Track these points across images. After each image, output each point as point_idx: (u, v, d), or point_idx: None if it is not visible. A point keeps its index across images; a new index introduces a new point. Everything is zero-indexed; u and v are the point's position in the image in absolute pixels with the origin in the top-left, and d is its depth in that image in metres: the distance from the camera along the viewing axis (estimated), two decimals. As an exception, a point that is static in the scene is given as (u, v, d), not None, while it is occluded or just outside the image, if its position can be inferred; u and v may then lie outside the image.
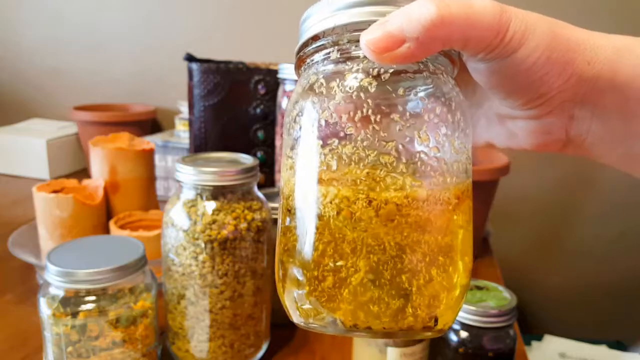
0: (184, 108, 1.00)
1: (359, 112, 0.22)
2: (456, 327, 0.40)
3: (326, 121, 0.22)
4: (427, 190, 0.22)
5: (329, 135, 0.22)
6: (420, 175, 0.22)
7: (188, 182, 0.42)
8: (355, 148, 0.22)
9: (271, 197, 0.59)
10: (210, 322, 0.43)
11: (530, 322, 1.11)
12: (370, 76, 0.22)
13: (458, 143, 0.23)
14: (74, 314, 0.37)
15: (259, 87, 0.72)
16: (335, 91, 0.22)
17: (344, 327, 0.22)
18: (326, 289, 0.22)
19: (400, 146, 0.22)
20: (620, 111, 0.24)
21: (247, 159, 0.45)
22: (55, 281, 0.37)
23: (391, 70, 0.22)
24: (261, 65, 0.73)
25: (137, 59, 1.18)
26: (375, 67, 0.22)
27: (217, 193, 0.42)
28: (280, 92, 0.63)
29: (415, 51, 0.20)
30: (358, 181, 0.22)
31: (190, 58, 0.72)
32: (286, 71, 0.60)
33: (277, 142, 0.64)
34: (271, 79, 0.72)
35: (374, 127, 0.21)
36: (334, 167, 0.22)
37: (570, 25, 0.24)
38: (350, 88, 0.22)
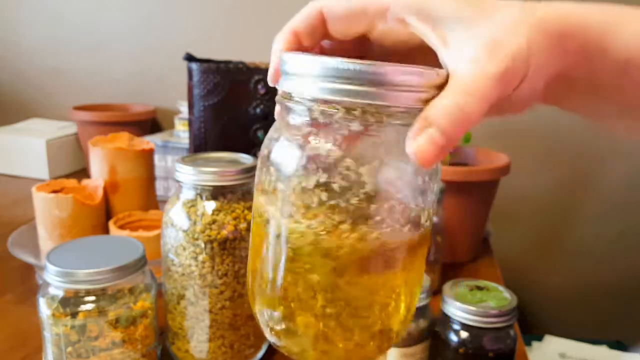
0: (184, 108, 1.00)
1: (334, 165, 0.22)
2: (456, 327, 0.40)
3: (301, 167, 0.23)
4: (385, 239, 0.23)
5: (302, 179, 0.23)
6: (380, 225, 0.23)
7: (188, 182, 0.42)
8: (324, 197, 0.23)
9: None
10: (210, 322, 0.43)
11: (531, 322, 1.11)
12: (349, 135, 0.22)
13: (421, 199, 0.24)
14: (74, 314, 0.37)
15: (259, 87, 0.72)
16: (314, 143, 0.23)
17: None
18: (289, 323, 0.25)
19: (365, 200, 0.23)
20: (588, 76, 0.25)
21: (247, 159, 0.45)
22: (54, 281, 0.37)
23: (367, 134, 0.22)
24: (261, 65, 0.73)
25: (137, 59, 1.18)
26: (355, 129, 0.22)
27: (216, 193, 0.42)
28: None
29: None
30: (324, 227, 0.23)
31: (190, 58, 0.72)
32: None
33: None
34: (271, 79, 0.72)
35: (342, 181, 0.22)
36: (303, 211, 0.23)
37: (554, 4, 0.24)
38: (328, 143, 0.22)
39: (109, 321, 0.38)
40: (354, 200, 0.22)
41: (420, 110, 0.22)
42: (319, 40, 0.27)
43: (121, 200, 0.64)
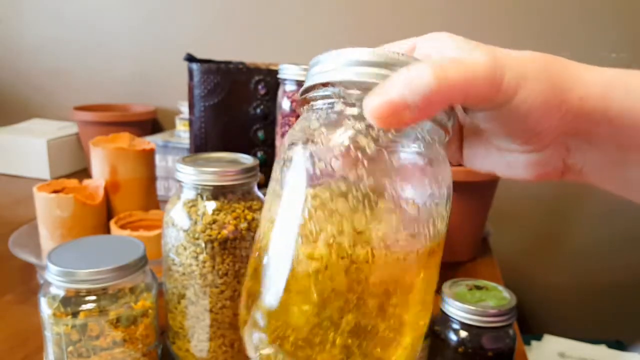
0: (185, 108, 1.00)
1: (352, 167, 0.22)
2: (456, 326, 0.41)
3: (318, 171, 0.23)
4: (397, 256, 0.23)
5: (317, 186, 0.23)
6: (392, 239, 0.23)
7: (188, 182, 0.42)
8: (339, 204, 0.22)
9: (271, 197, 0.59)
10: (211, 321, 0.43)
11: (530, 322, 1.12)
12: (369, 136, 0.23)
13: (435, 211, 0.24)
14: (75, 314, 0.37)
15: (259, 87, 0.73)
16: (332, 143, 0.23)
17: None
18: (286, 340, 0.23)
19: (381, 209, 0.22)
20: (613, 142, 0.25)
21: (247, 159, 0.46)
22: (55, 281, 0.37)
23: (390, 135, 0.23)
24: (261, 65, 0.73)
25: (137, 59, 1.18)
26: (375, 129, 0.23)
27: (217, 193, 0.42)
28: (280, 93, 0.63)
29: (416, 116, 0.21)
30: (335, 240, 0.22)
31: (190, 58, 0.72)
32: (286, 71, 0.60)
33: (277, 143, 0.64)
34: (271, 79, 0.72)
35: (361, 186, 0.22)
36: (315, 222, 0.23)
37: (563, 60, 0.25)
38: (349, 144, 0.23)
39: (110, 320, 0.38)
40: (370, 214, 0.22)
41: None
42: None
43: (122, 200, 0.64)
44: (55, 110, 1.24)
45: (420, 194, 0.23)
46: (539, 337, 0.95)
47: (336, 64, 0.23)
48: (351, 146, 0.22)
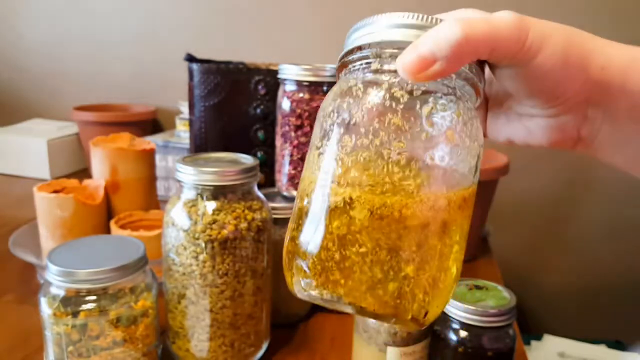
0: (185, 108, 1.00)
1: (387, 118, 0.24)
2: (456, 326, 0.41)
3: (356, 122, 0.24)
4: (432, 196, 0.24)
5: (356, 135, 0.24)
6: (429, 181, 0.24)
7: (188, 182, 0.42)
8: (374, 150, 0.24)
9: (271, 197, 0.59)
10: (211, 321, 0.43)
11: (530, 322, 1.12)
12: (404, 90, 0.24)
13: (464, 160, 0.25)
14: (75, 314, 0.37)
15: (259, 87, 0.73)
16: (370, 97, 0.24)
17: (343, 302, 0.25)
18: (331, 271, 0.24)
19: (415, 155, 0.24)
20: (629, 115, 0.27)
21: (247, 159, 0.46)
22: (56, 281, 0.37)
23: (423, 88, 0.24)
24: (261, 65, 0.73)
25: (138, 59, 1.18)
26: (409, 83, 0.24)
27: (217, 193, 0.42)
28: (280, 93, 0.63)
29: (446, 68, 0.23)
30: (373, 183, 0.24)
31: (190, 58, 0.72)
32: (286, 71, 0.60)
33: (277, 143, 0.64)
34: (271, 79, 0.72)
35: (396, 134, 0.24)
36: (352, 166, 0.24)
37: (586, 34, 0.26)
38: (384, 96, 0.24)
39: (110, 320, 0.38)
40: (405, 160, 0.24)
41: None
42: None
43: (122, 200, 0.64)
44: (55, 110, 1.24)
45: (451, 143, 0.24)
46: (538, 337, 0.95)
47: (373, 28, 0.25)
48: (386, 96, 0.24)
